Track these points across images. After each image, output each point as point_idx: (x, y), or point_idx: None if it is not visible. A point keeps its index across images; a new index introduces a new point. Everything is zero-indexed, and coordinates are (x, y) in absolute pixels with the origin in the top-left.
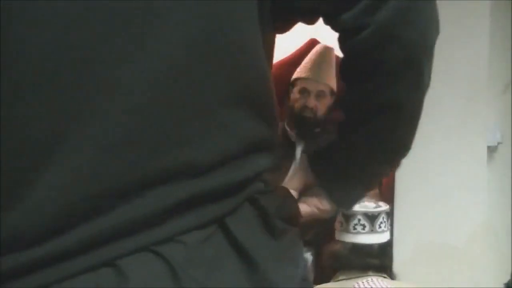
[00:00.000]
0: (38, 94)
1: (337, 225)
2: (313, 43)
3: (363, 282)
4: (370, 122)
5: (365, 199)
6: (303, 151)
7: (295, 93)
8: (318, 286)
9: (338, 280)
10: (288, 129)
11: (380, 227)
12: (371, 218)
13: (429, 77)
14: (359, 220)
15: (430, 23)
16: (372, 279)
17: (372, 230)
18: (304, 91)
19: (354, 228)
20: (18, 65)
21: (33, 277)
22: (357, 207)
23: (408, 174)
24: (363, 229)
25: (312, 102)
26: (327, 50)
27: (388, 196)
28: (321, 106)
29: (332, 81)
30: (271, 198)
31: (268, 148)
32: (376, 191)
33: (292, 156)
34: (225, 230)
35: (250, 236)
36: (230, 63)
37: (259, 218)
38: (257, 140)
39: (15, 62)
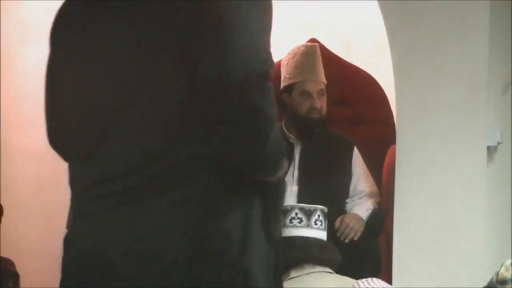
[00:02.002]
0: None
1: None
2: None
3: (363, 282)
4: None
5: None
6: (301, 151)
7: (295, 98)
8: None
9: (291, 278)
10: (286, 131)
11: (316, 224)
12: (308, 213)
13: None
14: (296, 214)
15: None
16: (372, 279)
17: (308, 225)
18: (304, 94)
19: (291, 222)
20: None
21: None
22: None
23: (408, 174)
24: (300, 222)
25: (317, 103)
26: (315, 48)
27: (388, 196)
28: (324, 105)
29: (324, 77)
30: None
31: None
32: (376, 190)
33: (291, 157)
34: None
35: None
36: None
37: None
38: None
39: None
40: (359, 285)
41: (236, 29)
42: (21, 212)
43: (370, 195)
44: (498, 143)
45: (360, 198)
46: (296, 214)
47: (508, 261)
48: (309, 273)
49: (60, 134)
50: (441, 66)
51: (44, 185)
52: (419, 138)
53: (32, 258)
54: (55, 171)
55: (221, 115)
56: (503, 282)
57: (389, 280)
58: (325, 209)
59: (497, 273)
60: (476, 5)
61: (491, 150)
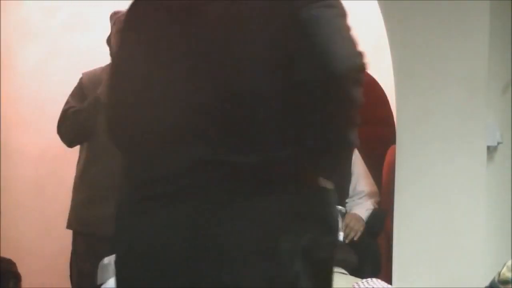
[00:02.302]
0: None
1: None
2: None
3: (362, 282)
4: None
5: None
6: None
7: None
8: None
9: None
10: None
11: None
12: None
13: None
14: None
15: None
16: (372, 279)
17: None
18: None
19: None
20: None
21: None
22: None
23: (408, 174)
24: None
25: None
26: None
27: (388, 196)
28: None
29: None
30: None
31: None
32: (376, 190)
33: None
34: None
35: None
36: None
37: None
38: None
39: None
40: (359, 285)
41: (332, 28)
42: (21, 212)
43: (370, 195)
44: (498, 143)
45: (360, 198)
46: None
47: (510, 261)
48: None
49: (120, 128)
50: (441, 66)
51: (44, 185)
52: (419, 138)
53: (32, 258)
54: (55, 171)
55: (316, 108)
56: (505, 282)
57: (389, 280)
58: (343, 209)
59: (499, 273)
60: (476, 5)
61: (491, 150)
